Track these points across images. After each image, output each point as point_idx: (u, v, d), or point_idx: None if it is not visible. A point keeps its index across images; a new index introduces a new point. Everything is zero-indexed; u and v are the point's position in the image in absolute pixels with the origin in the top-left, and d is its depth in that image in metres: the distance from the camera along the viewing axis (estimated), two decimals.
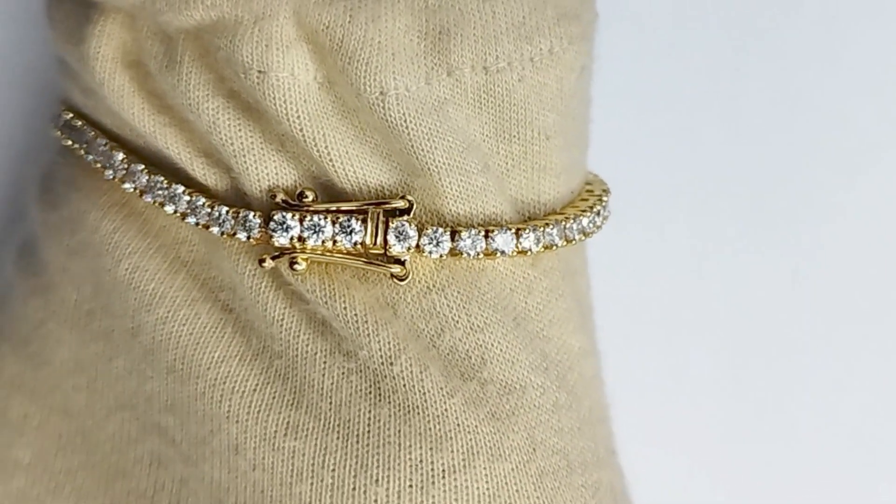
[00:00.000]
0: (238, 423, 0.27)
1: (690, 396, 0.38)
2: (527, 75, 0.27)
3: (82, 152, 0.29)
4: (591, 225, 0.29)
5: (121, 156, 0.28)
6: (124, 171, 0.28)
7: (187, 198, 0.27)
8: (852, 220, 0.37)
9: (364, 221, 0.26)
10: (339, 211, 0.27)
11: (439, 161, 0.26)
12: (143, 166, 0.28)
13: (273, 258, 0.27)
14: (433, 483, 0.27)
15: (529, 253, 0.27)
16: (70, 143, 0.29)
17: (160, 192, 0.28)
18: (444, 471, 0.27)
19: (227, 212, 0.27)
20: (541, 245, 0.28)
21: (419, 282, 0.27)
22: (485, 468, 0.27)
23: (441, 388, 0.27)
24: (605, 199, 0.29)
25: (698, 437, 0.38)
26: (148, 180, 0.28)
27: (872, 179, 0.37)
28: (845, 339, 0.38)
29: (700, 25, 0.36)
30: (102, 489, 0.30)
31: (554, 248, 0.28)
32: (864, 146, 0.37)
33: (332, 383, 0.27)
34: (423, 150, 0.26)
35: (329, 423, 0.27)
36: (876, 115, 0.37)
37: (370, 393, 0.27)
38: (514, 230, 0.27)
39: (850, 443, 0.38)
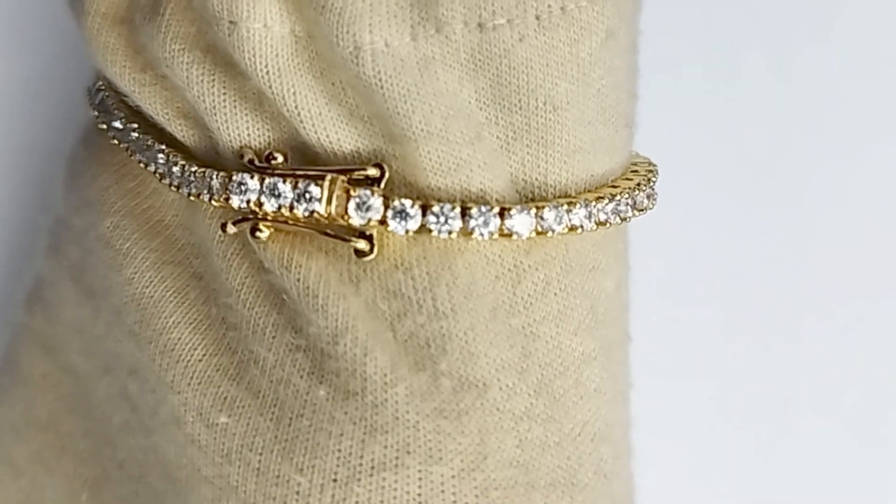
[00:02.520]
0: (179, 393, 0.26)
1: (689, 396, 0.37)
2: (529, 35, 0.24)
3: (96, 113, 0.28)
4: (611, 214, 0.26)
5: (121, 114, 0.28)
6: (121, 130, 0.28)
7: (163, 158, 0.26)
8: (853, 220, 0.36)
9: (323, 187, 0.24)
10: (302, 175, 0.25)
11: (417, 127, 0.24)
12: (136, 125, 0.27)
13: (235, 223, 0.25)
14: (358, 479, 0.24)
15: (517, 237, 0.24)
16: (91, 106, 0.29)
17: (147, 152, 0.27)
18: (372, 467, 0.24)
19: (196, 172, 0.26)
20: (531, 229, 0.25)
21: (387, 259, 0.25)
22: (419, 469, 0.24)
23: (384, 375, 0.24)
24: (638, 190, 0.26)
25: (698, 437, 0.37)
26: (137, 139, 0.27)
27: (872, 172, 0.36)
28: (845, 338, 0.37)
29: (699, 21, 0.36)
30: (94, 456, 0.29)
31: (550, 234, 0.25)
32: (863, 139, 0.36)
33: (275, 359, 0.25)
34: (399, 113, 0.24)
35: (265, 401, 0.25)
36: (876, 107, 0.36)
37: (311, 373, 0.25)
38: (497, 209, 0.24)
39: (849, 443, 0.37)
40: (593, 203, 0.25)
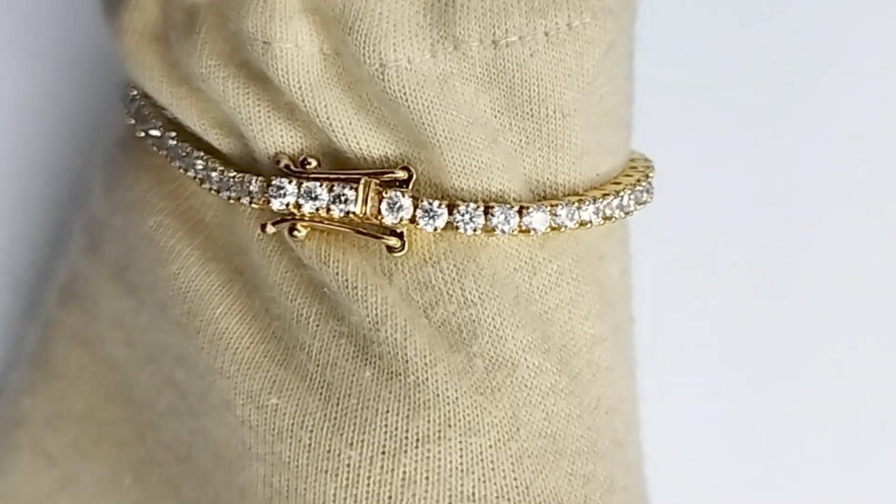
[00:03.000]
0: (229, 378, 0.28)
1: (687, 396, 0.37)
2: (539, 50, 0.26)
3: (132, 121, 0.30)
4: (616, 209, 0.28)
5: (159, 123, 0.29)
6: (159, 137, 0.29)
7: (202, 164, 0.28)
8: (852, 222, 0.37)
9: (357, 190, 0.27)
10: (336, 179, 0.27)
11: (441, 135, 0.26)
12: (174, 133, 0.29)
13: (275, 223, 0.27)
14: (405, 451, 0.26)
15: (534, 233, 0.27)
16: (126, 113, 0.31)
17: (185, 158, 0.29)
18: (417, 439, 0.26)
19: (235, 177, 0.28)
20: (547, 225, 0.27)
21: (417, 254, 0.27)
22: (459, 441, 0.26)
23: (424, 357, 0.27)
24: (639, 186, 0.28)
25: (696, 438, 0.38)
26: (175, 146, 0.29)
27: (868, 170, 0.37)
28: (844, 343, 0.38)
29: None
30: (138, 440, 0.31)
31: (563, 229, 0.27)
32: (863, 142, 0.37)
33: (321, 345, 0.27)
34: (424, 123, 0.26)
35: (313, 383, 0.27)
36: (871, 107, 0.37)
37: (356, 357, 0.27)
38: (516, 208, 0.27)
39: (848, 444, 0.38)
40: (600, 199, 0.28)
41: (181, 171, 0.29)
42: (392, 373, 0.27)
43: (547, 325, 0.27)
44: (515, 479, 0.27)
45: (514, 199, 0.27)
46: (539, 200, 0.27)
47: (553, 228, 0.27)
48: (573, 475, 0.27)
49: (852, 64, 0.37)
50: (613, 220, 0.28)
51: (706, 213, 0.38)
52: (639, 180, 0.29)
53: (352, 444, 0.27)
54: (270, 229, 0.27)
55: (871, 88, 0.37)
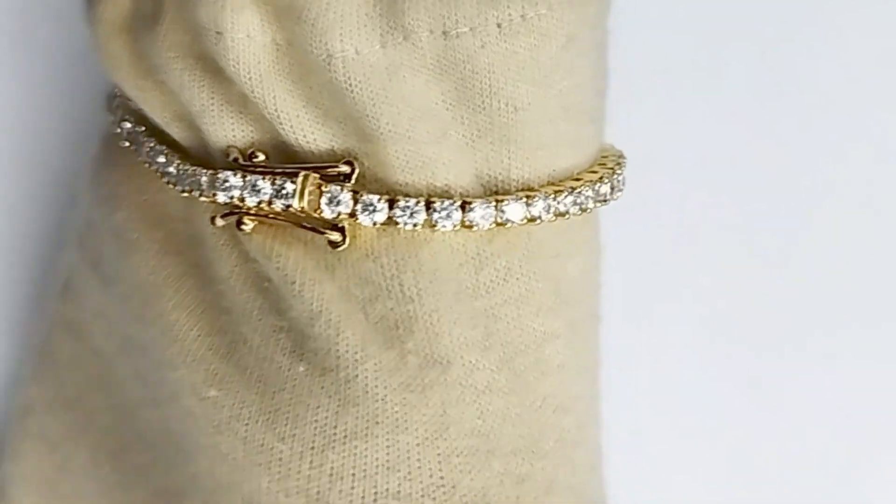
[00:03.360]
0: (175, 370, 0.28)
1: (683, 393, 0.37)
2: (491, 42, 0.25)
3: (112, 117, 0.31)
4: (571, 205, 0.27)
5: (131, 117, 0.30)
6: (130, 132, 0.30)
7: (163, 158, 0.29)
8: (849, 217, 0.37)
9: (297, 184, 0.27)
10: (280, 172, 0.27)
11: (385, 128, 0.26)
12: (143, 128, 0.29)
13: (224, 216, 0.28)
14: (333, 447, 0.26)
15: (477, 228, 0.26)
16: (107, 109, 0.31)
17: (150, 153, 0.29)
18: (345, 436, 0.26)
19: (188, 170, 0.28)
20: (491, 221, 0.27)
21: (359, 248, 0.27)
22: (386, 438, 0.26)
23: (355, 353, 0.26)
24: (601, 183, 0.28)
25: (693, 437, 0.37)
26: (143, 141, 0.29)
27: (861, 167, 0.37)
28: (841, 339, 0.38)
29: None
30: (116, 428, 0.32)
31: (509, 224, 0.27)
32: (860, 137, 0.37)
33: (261, 339, 0.27)
34: (368, 115, 0.26)
35: (251, 377, 0.27)
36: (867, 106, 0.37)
37: (292, 352, 0.27)
38: (459, 203, 0.26)
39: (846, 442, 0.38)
40: (552, 196, 0.27)
41: (146, 165, 0.29)
42: (324, 368, 0.27)
43: (492, 322, 0.27)
44: (442, 477, 0.26)
45: (461, 194, 0.27)
46: (490, 195, 0.27)
47: (499, 224, 0.27)
48: (505, 475, 0.27)
49: (844, 55, 0.37)
50: (568, 216, 0.27)
51: (700, 207, 0.38)
52: (602, 177, 0.28)
53: (283, 438, 0.27)
54: (220, 222, 0.28)
55: (860, 76, 0.37)
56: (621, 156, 0.29)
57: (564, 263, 0.28)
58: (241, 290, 0.28)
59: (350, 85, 0.25)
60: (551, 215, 0.27)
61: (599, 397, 0.30)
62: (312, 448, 0.27)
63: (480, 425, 0.27)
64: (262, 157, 0.27)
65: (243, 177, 0.27)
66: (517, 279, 0.27)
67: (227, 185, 0.27)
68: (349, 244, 0.27)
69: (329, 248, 0.27)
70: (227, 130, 0.27)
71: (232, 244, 0.28)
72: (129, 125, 0.30)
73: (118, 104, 0.30)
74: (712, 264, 0.37)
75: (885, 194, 0.37)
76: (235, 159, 0.27)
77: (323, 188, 0.26)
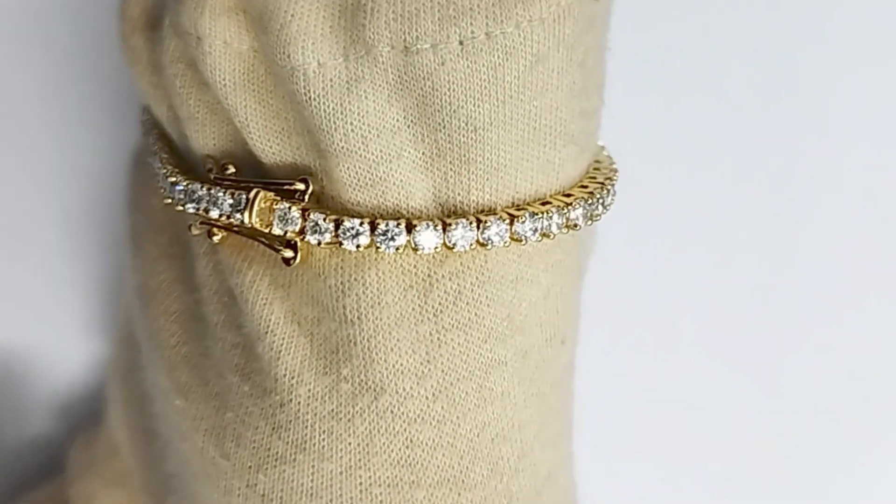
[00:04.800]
0: (157, 375, 0.29)
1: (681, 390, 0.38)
2: (450, 59, 0.25)
3: (143, 119, 0.32)
4: (529, 231, 0.27)
5: (149, 121, 0.31)
6: (147, 136, 0.31)
7: (159, 163, 0.30)
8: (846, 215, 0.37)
9: (250, 200, 0.27)
10: (240, 187, 0.27)
11: (337, 144, 0.26)
12: (156, 133, 0.30)
13: (199, 225, 0.28)
14: (265, 469, 0.27)
15: (422, 251, 0.26)
16: (141, 120, 0.33)
17: (153, 156, 0.30)
18: (276, 459, 0.27)
19: (169, 179, 0.29)
20: (439, 244, 0.26)
21: (311, 267, 0.27)
22: (311, 465, 0.27)
23: (291, 378, 0.27)
24: (571, 208, 0.27)
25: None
26: (153, 143, 0.30)
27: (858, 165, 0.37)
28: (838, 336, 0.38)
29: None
30: (137, 418, 0.34)
31: (458, 248, 0.26)
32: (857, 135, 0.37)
33: (221, 353, 0.28)
34: (323, 129, 0.26)
35: (210, 390, 0.28)
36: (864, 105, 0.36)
37: (242, 370, 0.28)
38: (404, 225, 0.26)
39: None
40: (507, 220, 0.26)
41: (154, 168, 0.30)
42: (264, 390, 0.27)
43: (434, 347, 0.27)
44: None
45: (413, 215, 0.26)
46: (449, 216, 0.27)
47: (447, 247, 0.26)
48: None
49: (843, 52, 0.37)
50: (524, 241, 0.27)
51: (700, 200, 0.38)
52: (573, 203, 0.27)
53: (227, 455, 0.27)
54: (195, 231, 0.28)
55: (860, 73, 0.37)
56: (609, 178, 0.28)
57: (524, 289, 0.27)
58: (210, 300, 0.28)
59: (309, 98, 0.25)
60: (506, 239, 0.27)
61: (557, 422, 0.29)
62: (249, 468, 0.27)
63: (407, 455, 0.27)
64: (231, 169, 0.27)
65: (208, 189, 0.28)
66: (467, 304, 0.27)
67: (195, 196, 0.28)
68: (303, 262, 0.27)
69: (284, 266, 0.27)
70: (208, 139, 0.28)
71: (210, 253, 0.29)
72: (147, 129, 0.31)
73: (147, 115, 0.31)
74: (712, 257, 0.38)
75: (884, 189, 0.37)
76: (210, 170, 0.28)
77: (274, 205, 0.27)
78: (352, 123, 0.25)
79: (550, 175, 0.27)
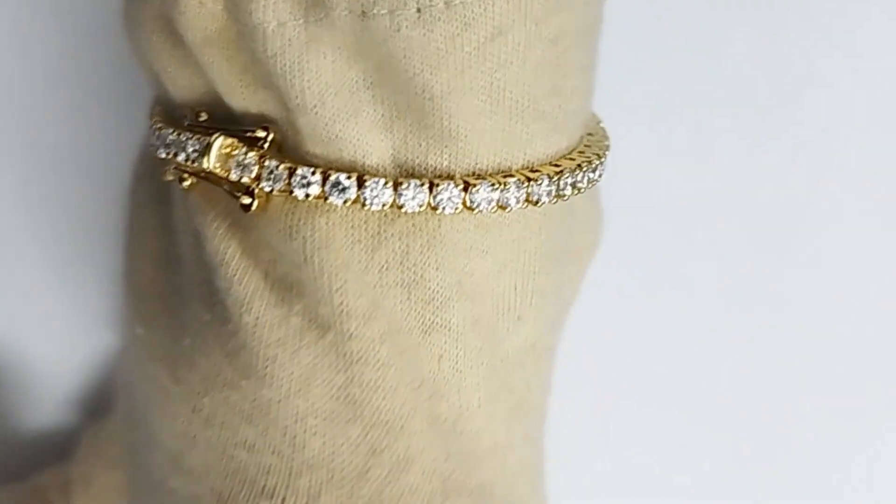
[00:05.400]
0: (127, 306, 0.30)
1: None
2: (405, 26, 0.25)
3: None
4: (483, 202, 0.27)
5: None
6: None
7: (151, 120, 0.30)
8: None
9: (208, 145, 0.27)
10: (204, 132, 0.28)
11: (294, 101, 0.26)
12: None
13: (174, 170, 0.29)
14: (211, 394, 0.28)
15: (370, 206, 0.26)
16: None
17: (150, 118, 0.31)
18: (223, 385, 0.28)
19: (151, 127, 0.30)
20: (388, 203, 0.26)
21: (268, 213, 0.27)
22: (253, 391, 0.28)
23: (241, 307, 0.27)
24: (536, 183, 0.27)
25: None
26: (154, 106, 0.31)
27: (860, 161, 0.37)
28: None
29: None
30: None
31: (406, 208, 0.26)
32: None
33: (188, 287, 0.29)
34: (281, 87, 0.26)
35: (173, 320, 0.29)
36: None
37: (204, 300, 0.28)
38: (355, 179, 0.26)
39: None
40: (459, 187, 0.26)
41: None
42: (222, 318, 0.27)
43: (380, 297, 0.27)
44: (294, 436, 0.27)
45: (369, 173, 0.26)
46: (404, 177, 0.27)
47: (396, 206, 0.26)
48: (361, 443, 0.27)
49: (844, 48, 0.37)
50: (476, 211, 0.26)
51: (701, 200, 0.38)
52: (535, 179, 0.27)
53: (178, 380, 0.28)
54: (169, 176, 0.29)
55: (861, 69, 0.37)
56: (588, 160, 0.28)
57: (477, 259, 0.27)
58: (183, 240, 0.29)
59: (269, 55, 0.26)
60: (458, 206, 0.26)
61: (511, 400, 0.28)
62: (197, 393, 0.28)
63: (347, 392, 0.27)
64: (204, 116, 0.28)
65: (178, 134, 0.28)
66: (414, 265, 0.27)
67: (166, 141, 0.28)
68: (261, 209, 0.27)
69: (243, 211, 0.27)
70: (183, 91, 0.28)
71: (183, 199, 0.29)
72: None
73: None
74: (712, 254, 0.38)
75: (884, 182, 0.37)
76: (185, 116, 0.28)
77: (233, 151, 0.27)
78: (308, 81, 0.25)
79: (515, 149, 0.27)
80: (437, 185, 0.26)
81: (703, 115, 0.37)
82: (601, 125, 0.31)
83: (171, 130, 0.28)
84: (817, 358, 0.39)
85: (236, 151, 0.27)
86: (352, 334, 0.27)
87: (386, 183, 0.26)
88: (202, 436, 0.28)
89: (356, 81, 0.26)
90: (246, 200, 0.27)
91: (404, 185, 0.26)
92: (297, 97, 0.26)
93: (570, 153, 0.28)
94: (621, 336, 0.39)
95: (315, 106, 0.26)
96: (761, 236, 0.38)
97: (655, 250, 0.38)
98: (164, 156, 0.28)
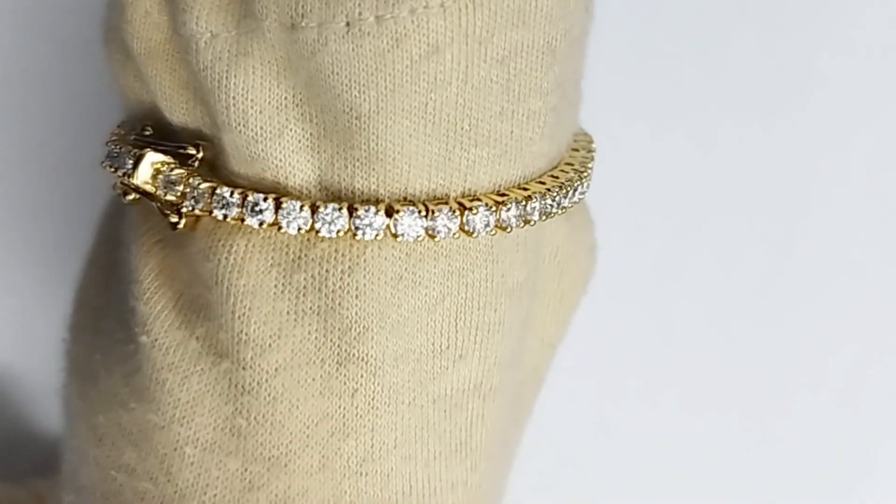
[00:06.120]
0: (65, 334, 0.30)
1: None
2: (333, 40, 0.24)
3: None
4: (408, 228, 0.25)
5: None
6: None
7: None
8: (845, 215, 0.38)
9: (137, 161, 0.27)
10: (139, 147, 0.27)
11: (219, 118, 0.25)
12: None
13: (120, 184, 0.28)
14: (107, 413, 0.27)
15: (286, 229, 0.25)
16: None
17: None
18: (118, 404, 0.27)
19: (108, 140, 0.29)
20: (304, 226, 0.25)
21: (195, 232, 0.26)
22: (141, 414, 0.27)
23: (141, 325, 0.27)
24: (469, 212, 0.25)
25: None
26: None
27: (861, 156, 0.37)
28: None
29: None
30: None
31: (322, 232, 0.25)
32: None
33: (117, 305, 0.28)
34: (208, 102, 0.25)
35: (98, 332, 0.29)
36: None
37: (122, 315, 0.28)
38: (272, 201, 0.25)
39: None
40: (380, 212, 0.25)
41: None
42: (127, 338, 0.27)
43: (288, 326, 0.26)
44: (170, 466, 0.26)
45: (291, 192, 0.25)
46: (332, 201, 0.25)
47: (311, 230, 0.25)
48: (236, 478, 0.26)
49: (844, 46, 0.37)
50: (400, 238, 0.25)
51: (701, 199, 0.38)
52: (471, 208, 0.25)
53: (84, 396, 0.28)
54: (116, 190, 0.28)
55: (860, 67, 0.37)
56: (548, 190, 0.26)
57: (406, 290, 0.25)
58: (124, 255, 0.28)
59: (199, 68, 0.25)
60: (377, 232, 0.25)
61: (440, 445, 0.27)
62: (95, 411, 0.27)
63: (232, 423, 0.26)
64: (149, 131, 0.27)
65: (120, 148, 0.27)
66: (332, 291, 0.25)
67: (111, 154, 0.28)
68: (189, 227, 0.26)
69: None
70: (134, 104, 0.28)
71: (127, 212, 0.29)
72: None
73: None
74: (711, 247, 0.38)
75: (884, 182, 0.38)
76: (132, 130, 0.28)
77: (162, 168, 0.26)
78: (234, 98, 0.25)
79: (454, 175, 0.25)
80: (357, 210, 0.25)
81: (703, 114, 0.37)
82: (587, 149, 0.28)
83: (116, 145, 0.27)
84: (817, 354, 0.39)
85: (164, 168, 0.26)
86: (246, 364, 0.25)
87: (303, 206, 0.25)
88: (93, 454, 0.27)
89: (285, 98, 0.25)
90: (174, 219, 0.26)
91: (322, 209, 0.25)
92: (222, 113, 0.25)
93: (528, 181, 0.26)
94: (621, 332, 0.39)
95: (239, 124, 0.25)
96: (761, 230, 0.38)
97: (655, 248, 0.38)
98: (109, 169, 0.27)
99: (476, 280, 0.26)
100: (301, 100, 0.24)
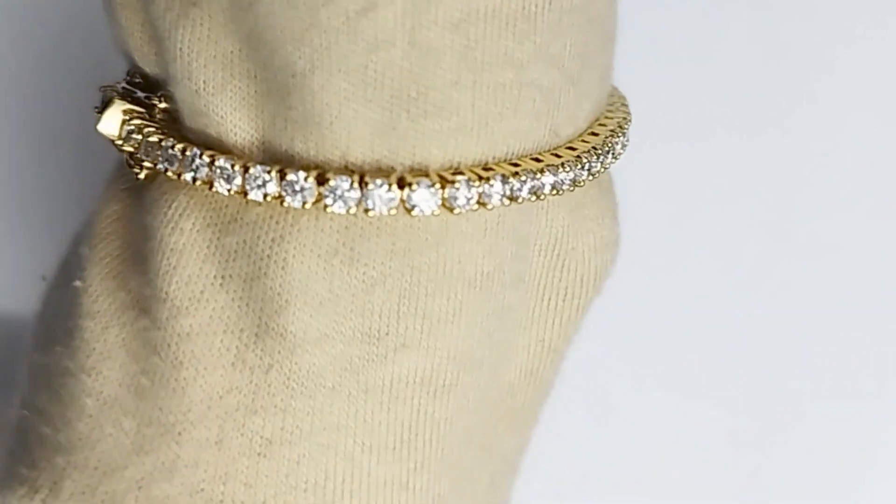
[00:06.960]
0: None
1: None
2: None
3: None
4: (339, 198, 0.24)
5: None
6: None
7: None
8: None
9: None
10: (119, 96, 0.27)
11: (169, 71, 0.25)
12: None
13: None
14: (48, 385, 0.27)
15: (217, 188, 0.24)
16: None
17: None
18: (60, 374, 0.27)
19: None
20: (234, 188, 0.24)
21: (153, 185, 0.26)
22: (100, 370, 0.26)
23: (94, 284, 0.26)
24: (410, 187, 0.23)
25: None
26: None
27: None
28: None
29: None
30: None
31: (249, 195, 0.24)
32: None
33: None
34: (160, 55, 0.25)
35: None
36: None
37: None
38: (207, 157, 0.24)
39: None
40: (311, 177, 0.23)
41: None
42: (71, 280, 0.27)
43: (212, 288, 0.25)
44: (69, 413, 0.26)
45: (233, 151, 0.24)
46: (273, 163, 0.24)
47: (238, 192, 0.24)
48: (127, 438, 0.26)
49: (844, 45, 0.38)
50: (328, 208, 0.24)
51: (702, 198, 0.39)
52: (412, 183, 0.23)
53: (35, 332, 0.28)
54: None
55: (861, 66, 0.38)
56: (517, 172, 0.24)
57: (339, 265, 0.24)
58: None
59: (154, 17, 0.24)
60: (304, 200, 0.23)
61: (372, 435, 0.25)
62: (36, 348, 0.27)
63: (137, 382, 0.25)
64: (137, 79, 0.27)
65: (103, 96, 0.27)
66: (259, 258, 0.24)
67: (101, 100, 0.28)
68: (150, 179, 0.26)
69: None
70: (124, 53, 0.27)
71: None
72: None
73: None
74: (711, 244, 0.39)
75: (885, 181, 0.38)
76: (127, 74, 0.27)
77: (124, 119, 0.26)
78: (180, 49, 0.24)
79: (400, 146, 0.23)
80: (287, 175, 0.23)
81: (703, 114, 0.37)
82: (605, 142, 0.26)
83: (106, 90, 0.27)
84: (817, 354, 0.39)
85: (128, 118, 0.25)
86: (160, 323, 0.25)
87: (234, 165, 0.24)
88: (21, 390, 0.27)
89: (231, 52, 0.24)
90: (137, 170, 0.25)
91: (252, 170, 0.23)
92: (171, 67, 0.24)
93: (498, 161, 0.24)
94: (621, 329, 0.38)
95: (184, 77, 0.24)
96: (761, 227, 0.38)
97: (654, 247, 0.38)
98: (96, 114, 0.27)
99: (423, 263, 0.24)
100: (245, 56, 0.23)
